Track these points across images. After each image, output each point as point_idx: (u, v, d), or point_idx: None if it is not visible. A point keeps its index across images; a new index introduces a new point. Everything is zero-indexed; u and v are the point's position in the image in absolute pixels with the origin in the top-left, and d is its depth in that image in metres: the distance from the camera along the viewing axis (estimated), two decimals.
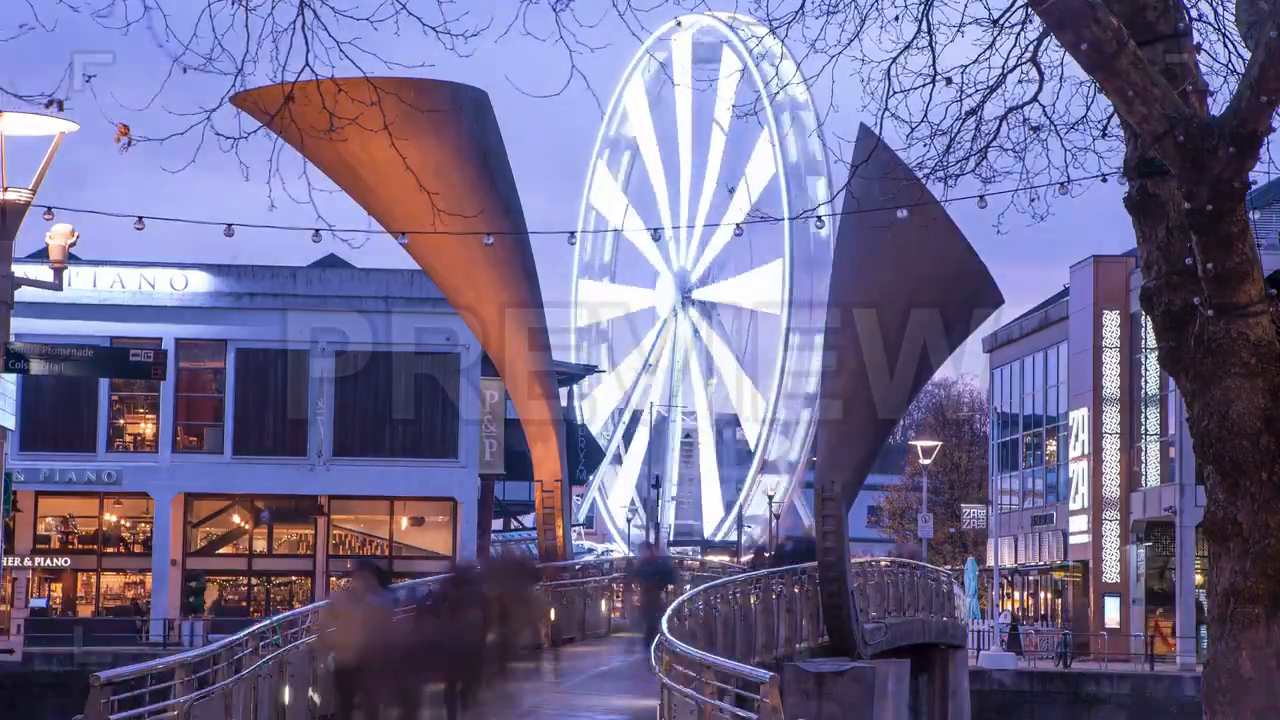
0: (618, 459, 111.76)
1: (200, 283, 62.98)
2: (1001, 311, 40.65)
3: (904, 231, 29.79)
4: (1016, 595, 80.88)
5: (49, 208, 25.63)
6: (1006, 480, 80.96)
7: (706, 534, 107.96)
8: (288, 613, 23.01)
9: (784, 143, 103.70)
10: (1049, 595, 77.08)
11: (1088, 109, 15.77)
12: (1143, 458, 67.56)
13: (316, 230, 23.82)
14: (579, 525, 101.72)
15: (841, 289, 34.61)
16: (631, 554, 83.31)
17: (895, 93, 15.17)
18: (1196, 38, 13.91)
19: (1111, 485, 68.52)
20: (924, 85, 15.19)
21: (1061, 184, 16.87)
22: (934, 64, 15.13)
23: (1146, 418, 67.26)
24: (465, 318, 38.52)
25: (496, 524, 79.55)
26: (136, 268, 62.56)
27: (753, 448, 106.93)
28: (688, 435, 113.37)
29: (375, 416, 63.17)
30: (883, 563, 42.37)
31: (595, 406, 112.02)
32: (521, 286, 35.53)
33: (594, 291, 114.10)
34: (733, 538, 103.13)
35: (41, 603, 62.35)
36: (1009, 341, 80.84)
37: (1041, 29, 14.53)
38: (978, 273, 33.14)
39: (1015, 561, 79.11)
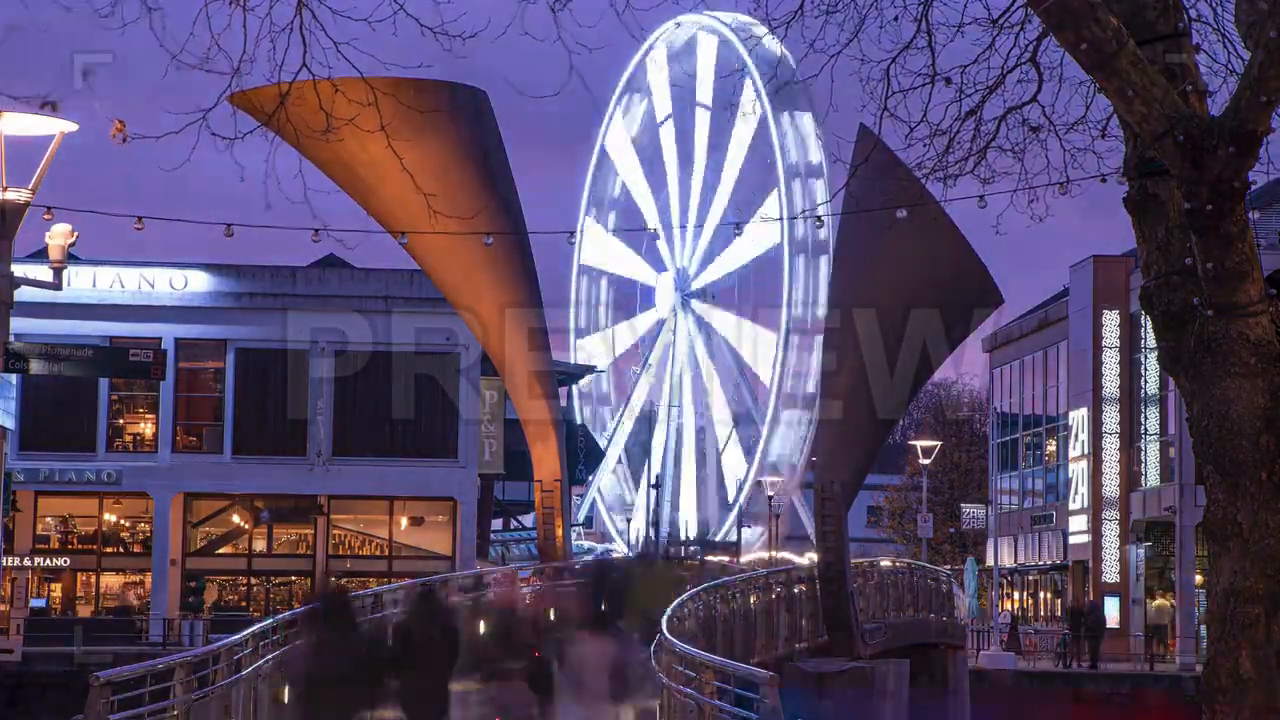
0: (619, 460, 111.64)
1: (200, 283, 62.90)
2: (1001, 311, 40.76)
3: (904, 231, 29.85)
4: (1016, 595, 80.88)
5: (49, 207, 25.65)
6: (1006, 480, 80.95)
7: (705, 534, 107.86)
8: (288, 613, 23.01)
9: (784, 145, 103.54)
10: (1049, 595, 77.07)
11: (1087, 109, 15.76)
12: (1142, 458, 67.55)
13: (316, 230, 23.85)
14: (579, 525, 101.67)
15: (841, 289, 34.67)
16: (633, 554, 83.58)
17: (894, 93, 15.17)
18: (1196, 38, 13.91)
19: (1111, 485, 68.50)
20: (923, 85, 15.19)
21: (1061, 184, 16.85)
22: (933, 64, 15.13)
23: (1146, 418, 67.25)
24: (465, 318, 38.56)
25: (496, 524, 79.54)
26: (136, 267, 62.50)
27: (752, 448, 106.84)
28: (684, 435, 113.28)
29: (375, 416, 63.09)
30: (884, 563, 42.39)
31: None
32: (521, 286, 35.61)
33: (597, 236, 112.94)
34: (733, 537, 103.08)
35: (41, 603, 62.27)
36: (1009, 341, 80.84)
37: (1041, 29, 14.52)
38: (977, 273, 33.23)
39: (1015, 561, 79.12)
